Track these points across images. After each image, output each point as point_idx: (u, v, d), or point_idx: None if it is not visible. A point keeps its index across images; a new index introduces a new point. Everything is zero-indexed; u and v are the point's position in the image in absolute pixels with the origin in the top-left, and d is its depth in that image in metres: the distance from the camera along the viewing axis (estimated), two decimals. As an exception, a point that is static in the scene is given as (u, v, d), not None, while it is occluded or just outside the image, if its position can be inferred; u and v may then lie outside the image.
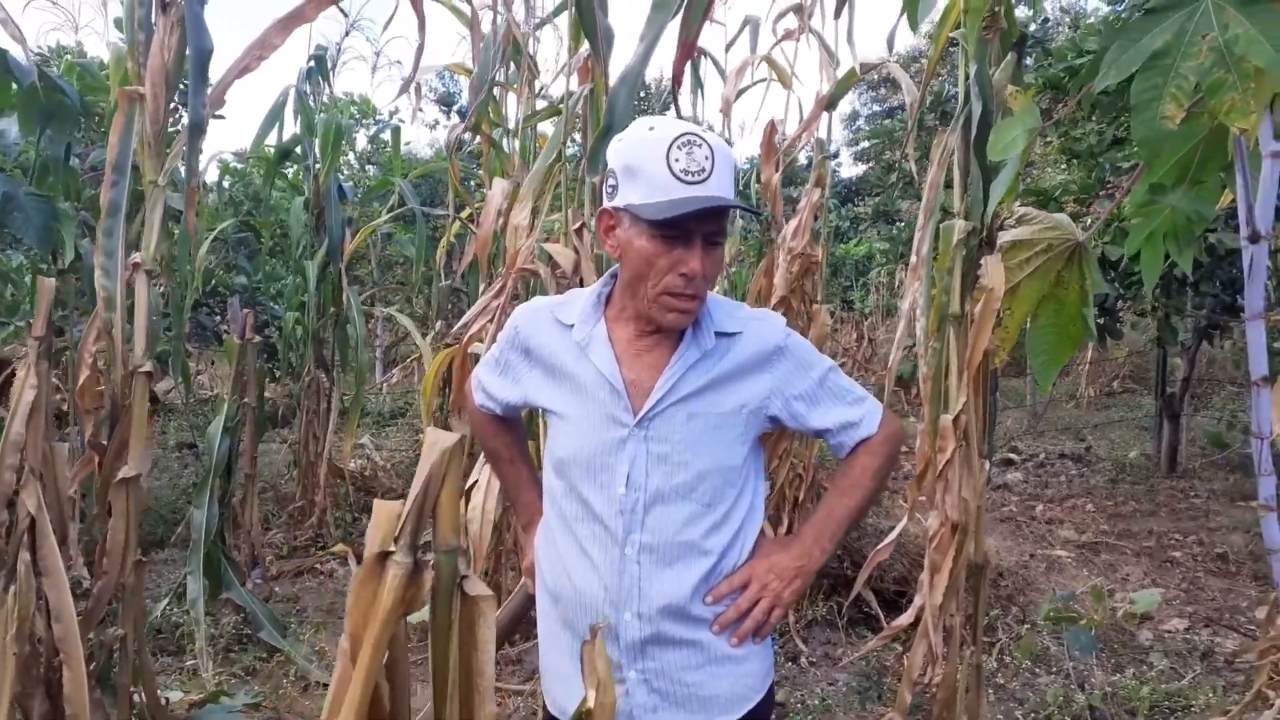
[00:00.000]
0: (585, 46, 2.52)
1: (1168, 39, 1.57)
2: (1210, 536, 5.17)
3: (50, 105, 3.23)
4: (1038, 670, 3.46)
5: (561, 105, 3.83)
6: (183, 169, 2.29)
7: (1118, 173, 5.81)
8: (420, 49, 2.73)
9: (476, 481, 2.28)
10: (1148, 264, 2.07)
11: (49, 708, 1.98)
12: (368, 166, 13.50)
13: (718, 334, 1.49)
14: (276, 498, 5.52)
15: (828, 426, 1.56)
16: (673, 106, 2.36)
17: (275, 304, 6.78)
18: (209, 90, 2.29)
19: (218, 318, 7.29)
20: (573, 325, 1.51)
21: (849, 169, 23.48)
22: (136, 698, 2.31)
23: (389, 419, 8.95)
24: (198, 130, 2.26)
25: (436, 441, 0.82)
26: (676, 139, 1.36)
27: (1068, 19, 12.96)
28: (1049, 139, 6.72)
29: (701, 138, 1.37)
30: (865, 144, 21.29)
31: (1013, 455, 7.53)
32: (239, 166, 8.51)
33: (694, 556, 1.45)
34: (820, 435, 1.60)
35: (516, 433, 1.81)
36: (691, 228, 1.37)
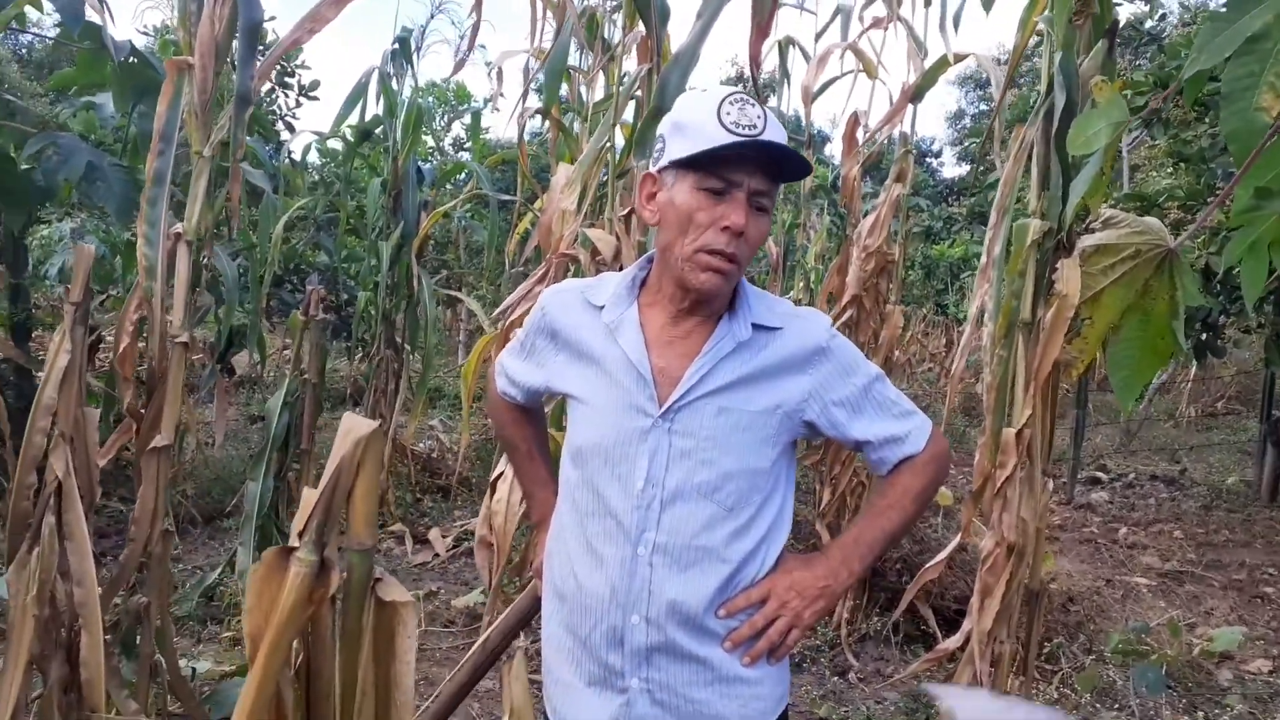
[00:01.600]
0: (641, 25, 2.42)
1: (1267, 20, 1.39)
2: (1310, 573, 4.80)
3: (142, 81, 3.30)
4: (1099, 705, 3.23)
5: (636, 91, 3.75)
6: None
7: (1230, 179, 5.45)
8: (475, 27, 2.68)
9: (502, 473, 2.21)
10: (1250, 277, 1.87)
11: (66, 671, 1.98)
12: (461, 152, 13.66)
13: (755, 326, 1.39)
14: (341, 474, 5.58)
15: (869, 439, 1.44)
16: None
17: (355, 283, 6.89)
18: (258, 62, 2.28)
19: (300, 295, 7.44)
20: (603, 307, 1.43)
21: (952, 168, 22.90)
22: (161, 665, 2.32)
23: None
24: (244, 102, 2.24)
25: (351, 429, 0.74)
26: (729, 96, 1.29)
27: (1188, 15, 12.28)
28: (1156, 141, 6.34)
29: (756, 101, 1.31)
30: (969, 142, 20.75)
31: (1100, 474, 7.17)
32: (334, 147, 8.67)
33: (711, 563, 1.35)
34: (860, 448, 1.48)
35: (536, 425, 1.73)
36: (739, 179, 1.29)
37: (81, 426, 2.06)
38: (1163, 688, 3.15)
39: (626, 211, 2.29)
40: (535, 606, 1.80)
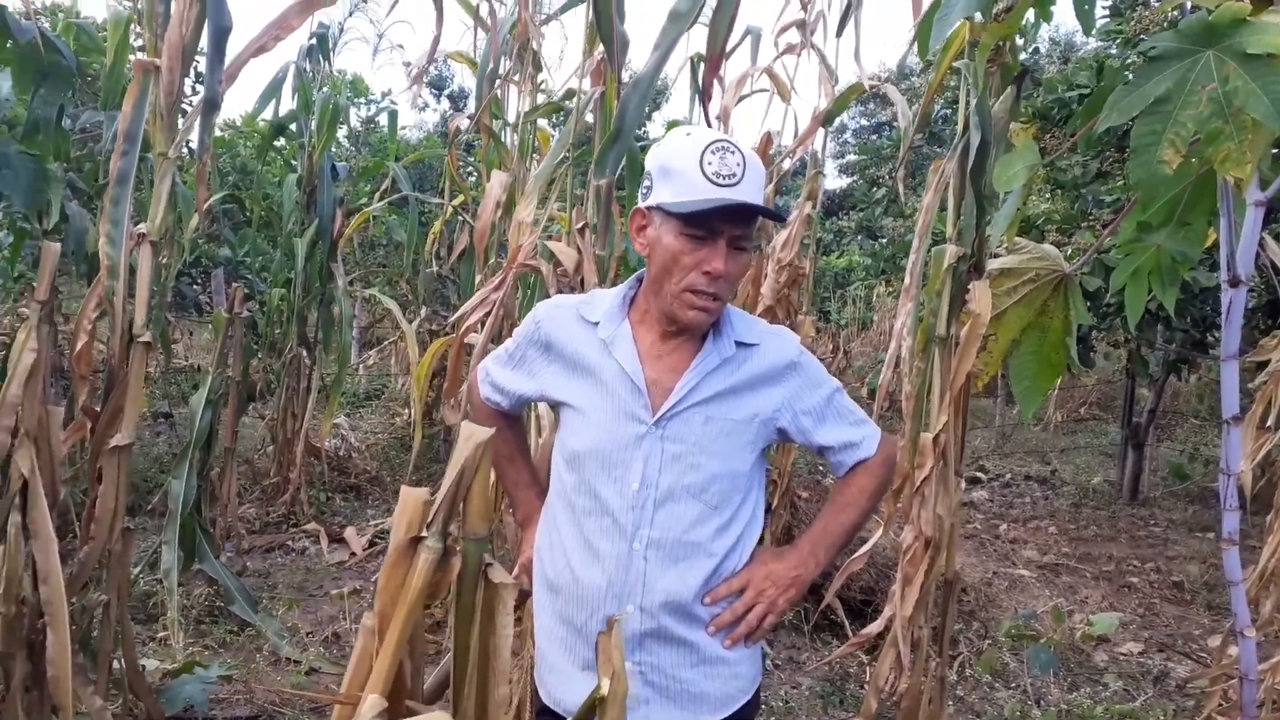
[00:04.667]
0: (599, 50, 2.55)
1: (1169, 86, 1.62)
2: (1168, 564, 5.29)
3: (47, 64, 3.22)
4: (997, 685, 3.55)
5: (563, 102, 3.86)
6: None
7: (1100, 205, 5.94)
8: (436, 40, 2.76)
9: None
10: (1132, 300, 2.12)
11: (30, 669, 1.99)
12: (361, 148, 13.44)
13: (737, 343, 1.54)
14: (251, 472, 5.51)
15: (831, 444, 1.62)
16: (681, 111, 2.41)
17: (259, 278, 6.75)
18: (224, 67, 2.31)
19: (198, 288, 7.24)
20: (598, 323, 1.56)
21: (833, 180, 23.64)
22: (116, 664, 2.32)
23: (364, 400, 8.93)
24: (212, 106, 2.28)
25: (471, 435, 0.86)
26: (711, 144, 1.42)
27: (1058, 50, 13.13)
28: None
29: (736, 146, 1.44)
30: (852, 157, 21.44)
31: (979, 474, 7.64)
32: (224, 136, 8.45)
33: (699, 556, 1.50)
34: (822, 452, 1.65)
35: (518, 430, 1.83)
36: (719, 228, 1.43)
37: (45, 425, 2.07)
38: (1054, 667, 3.48)
39: (581, 225, 2.42)
40: (520, 601, 1.90)
